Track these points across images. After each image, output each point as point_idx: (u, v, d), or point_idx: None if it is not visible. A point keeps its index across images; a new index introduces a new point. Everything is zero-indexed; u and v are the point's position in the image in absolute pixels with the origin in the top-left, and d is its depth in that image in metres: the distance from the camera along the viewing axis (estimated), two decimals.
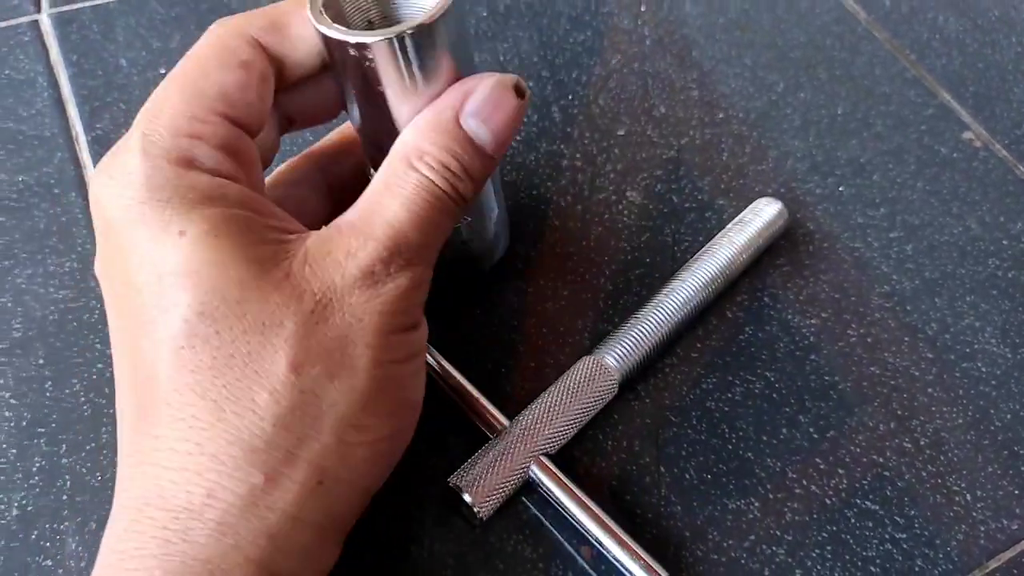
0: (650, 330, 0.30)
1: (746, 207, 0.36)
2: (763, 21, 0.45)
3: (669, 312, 0.30)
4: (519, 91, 0.21)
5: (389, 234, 0.19)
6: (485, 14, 0.44)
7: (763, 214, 0.34)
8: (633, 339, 0.30)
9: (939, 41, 0.46)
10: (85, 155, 0.35)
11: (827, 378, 0.32)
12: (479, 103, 0.20)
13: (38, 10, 0.40)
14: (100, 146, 0.36)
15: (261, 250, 0.19)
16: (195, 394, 0.18)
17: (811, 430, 0.31)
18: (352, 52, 0.20)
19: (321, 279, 0.19)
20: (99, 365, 0.30)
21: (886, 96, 0.42)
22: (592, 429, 0.30)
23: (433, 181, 0.20)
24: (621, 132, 0.39)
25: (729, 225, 0.34)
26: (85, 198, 0.34)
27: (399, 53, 0.20)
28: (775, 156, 0.39)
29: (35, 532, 0.27)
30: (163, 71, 0.38)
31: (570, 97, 0.40)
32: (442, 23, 0.20)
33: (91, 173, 0.35)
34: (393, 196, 0.20)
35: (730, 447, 0.30)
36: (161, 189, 0.18)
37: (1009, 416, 0.32)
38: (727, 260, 0.32)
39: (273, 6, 0.21)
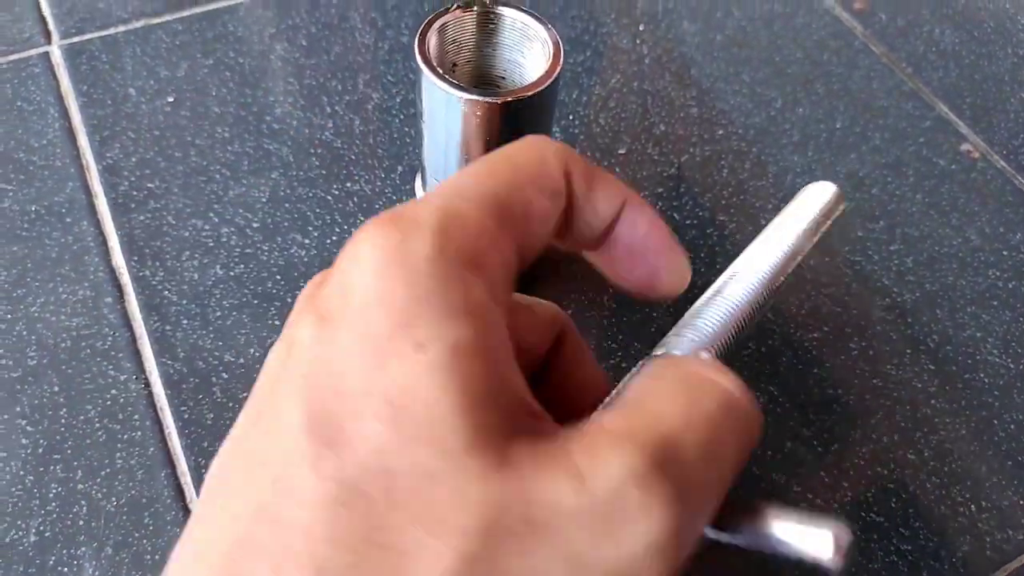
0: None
1: (746, 222, 0.36)
2: (760, 37, 0.45)
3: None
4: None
5: (653, 440, 0.14)
6: None
7: (819, 198, 0.25)
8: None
9: (935, 54, 0.46)
10: (96, 184, 0.36)
11: (830, 391, 0.33)
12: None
13: (48, 42, 0.41)
14: (111, 174, 0.36)
15: (490, 414, 0.14)
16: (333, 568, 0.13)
17: (815, 443, 0.31)
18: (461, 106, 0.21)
19: (542, 490, 0.13)
20: (112, 391, 0.31)
21: (884, 109, 0.43)
22: None
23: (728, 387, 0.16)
24: (622, 151, 0.40)
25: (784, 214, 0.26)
26: (96, 226, 0.35)
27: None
28: (775, 172, 0.40)
29: (52, 558, 0.27)
30: (171, 99, 0.39)
31: (571, 117, 0.41)
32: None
33: (103, 201, 0.35)
34: (666, 399, 0.16)
35: None
36: (435, 278, 0.14)
37: (1013, 426, 0.33)
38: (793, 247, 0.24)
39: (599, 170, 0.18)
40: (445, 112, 0.24)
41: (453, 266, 0.14)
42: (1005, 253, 0.38)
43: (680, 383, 0.16)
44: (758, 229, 0.36)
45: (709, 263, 0.36)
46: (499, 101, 0.22)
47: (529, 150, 0.17)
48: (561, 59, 0.23)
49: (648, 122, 0.41)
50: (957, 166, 0.41)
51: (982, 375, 0.34)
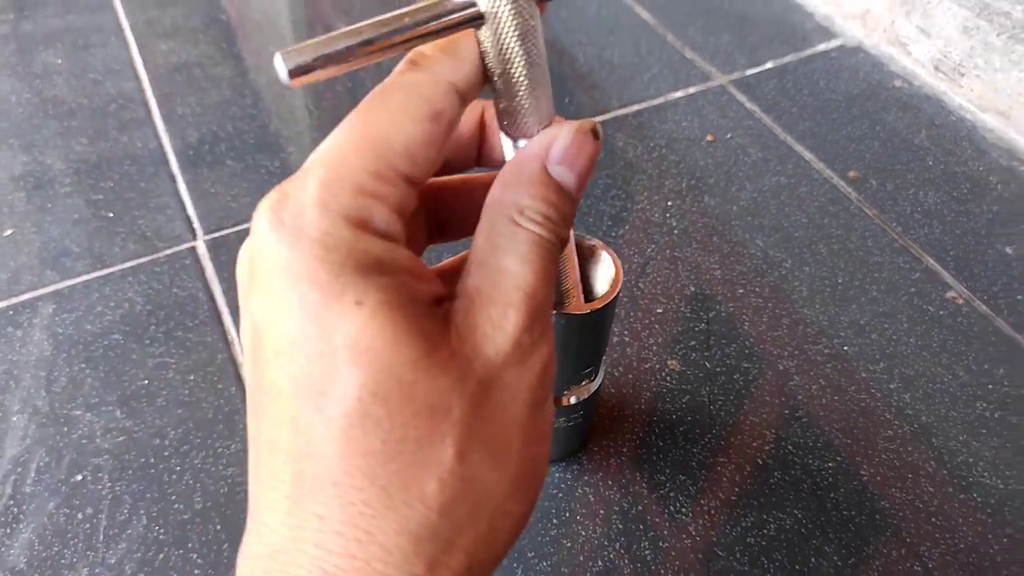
0: None
1: (766, 368, 0.44)
2: (770, 207, 0.54)
3: None
4: (596, 134, 0.21)
5: (523, 299, 0.19)
6: None
7: None
8: None
9: (921, 213, 0.54)
10: (239, 355, 0.45)
11: (845, 512, 0.39)
12: (563, 150, 0.21)
13: (195, 238, 0.52)
14: None
15: (426, 324, 0.18)
16: (366, 479, 0.17)
17: (835, 558, 0.38)
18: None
19: (481, 356, 0.18)
20: None
21: (878, 264, 0.51)
22: (653, 565, 0.37)
23: (541, 235, 0.20)
24: (660, 310, 0.48)
25: None
26: (242, 390, 0.44)
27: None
28: (788, 323, 0.47)
29: None
30: None
31: None
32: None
33: (245, 369, 0.44)
34: (508, 255, 0.20)
35: (768, 575, 0.37)
36: (337, 251, 0.17)
37: (1006, 540, 0.39)
38: None
39: (452, 38, 0.20)
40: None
41: (345, 232, 0.18)
42: (991, 387, 0.45)
43: (513, 239, 0.20)
44: (778, 375, 0.44)
45: (738, 405, 0.43)
46: (578, 314, 0.30)
47: (397, 88, 0.19)
48: (621, 280, 0.31)
49: (680, 284, 0.49)
50: (944, 311, 0.49)
51: (975, 495, 0.40)
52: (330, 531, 0.17)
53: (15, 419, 0.42)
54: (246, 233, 0.51)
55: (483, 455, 0.18)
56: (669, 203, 0.54)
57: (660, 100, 0.62)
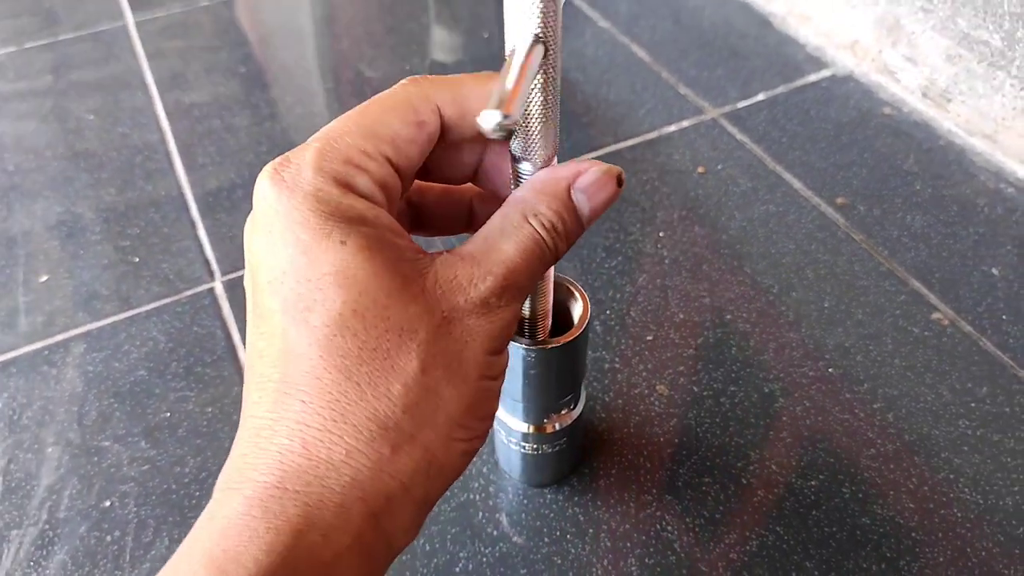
0: None
1: (752, 391, 0.46)
2: (758, 235, 0.57)
3: None
4: (620, 181, 0.25)
5: (504, 272, 0.23)
6: None
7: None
8: None
9: (908, 236, 0.56)
10: None
11: (826, 529, 0.41)
12: (589, 182, 0.25)
13: (213, 279, 0.55)
14: None
15: (403, 267, 0.22)
16: (342, 375, 0.21)
17: (816, 573, 0.39)
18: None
19: (448, 299, 0.22)
20: None
21: (864, 288, 0.53)
22: None
23: (542, 236, 0.24)
24: (649, 337, 0.50)
25: None
26: None
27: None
28: (774, 347, 0.49)
29: None
30: None
31: (608, 312, 0.52)
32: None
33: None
34: (509, 241, 0.24)
35: None
36: (326, 203, 0.21)
37: (984, 553, 0.40)
38: None
39: (458, 79, 0.25)
40: (511, 354, 0.34)
41: (333, 190, 0.22)
42: (973, 405, 0.46)
43: (518, 231, 0.24)
44: (763, 397, 0.46)
45: (723, 427, 0.45)
46: (548, 347, 0.33)
47: (394, 95, 0.24)
48: (589, 314, 0.34)
49: (669, 312, 0.52)
50: (929, 333, 0.50)
51: (955, 511, 0.42)
52: (311, 412, 0.21)
53: (50, 450, 0.46)
54: None
55: (442, 373, 0.22)
56: (661, 234, 0.57)
57: (654, 135, 0.65)
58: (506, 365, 0.25)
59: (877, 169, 0.61)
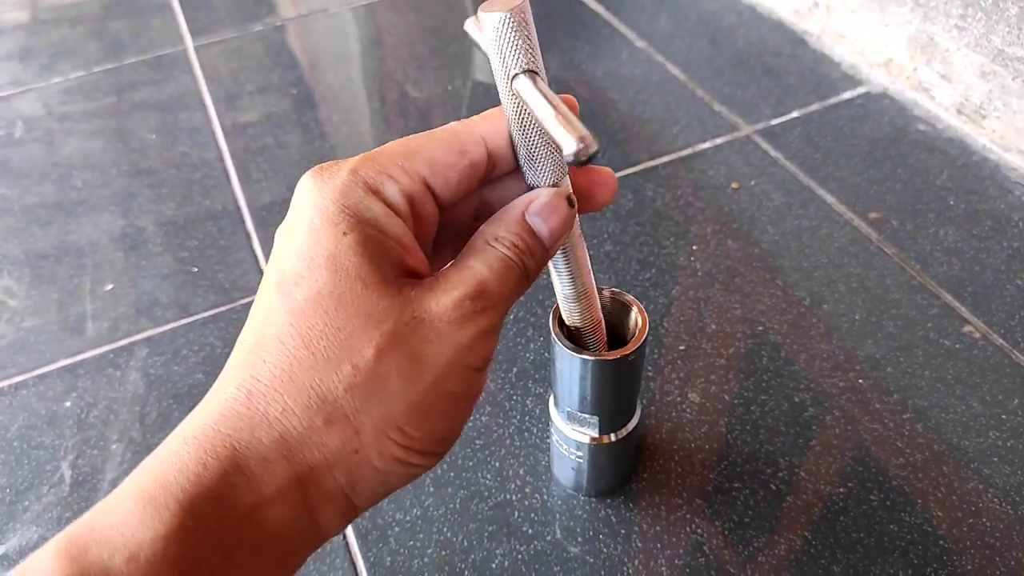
0: None
1: (782, 400, 0.47)
2: (791, 248, 0.58)
3: None
4: (571, 202, 0.27)
5: (475, 284, 0.25)
6: None
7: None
8: None
9: (940, 251, 0.57)
10: None
11: (854, 535, 0.42)
12: (540, 206, 0.26)
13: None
14: None
15: (387, 269, 0.24)
16: (303, 343, 0.23)
17: None
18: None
19: (422, 302, 0.24)
20: None
21: (896, 301, 0.54)
22: None
23: (505, 254, 0.25)
24: (682, 347, 0.52)
25: None
26: None
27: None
28: (805, 359, 0.50)
29: None
30: None
31: None
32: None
33: None
34: (476, 260, 0.25)
35: None
36: (348, 197, 0.24)
37: (1013, 563, 0.40)
38: None
39: (494, 111, 0.27)
40: (569, 364, 0.36)
41: (359, 190, 0.24)
42: (1004, 417, 0.47)
43: (482, 252, 0.26)
44: (793, 406, 0.47)
45: (753, 435, 0.47)
46: (609, 359, 0.35)
47: (442, 128, 0.26)
48: (647, 327, 0.36)
49: (702, 323, 0.53)
50: (961, 345, 0.51)
51: (985, 520, 0.42)
52: (265, 370, 0.23)
53: (114, 447, 0.49)
54: None
55: (395, 367, 0.23)
56: (694, 247, 0.58)
57: (688, 151, 0.67)
58: (479, 388, 0.26)
59: (911, 184, 0.62)
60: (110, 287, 0.60)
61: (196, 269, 0.60)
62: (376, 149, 0.25)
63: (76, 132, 0.75)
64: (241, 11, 0.91)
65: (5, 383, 0.53)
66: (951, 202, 0.60)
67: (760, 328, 0.53)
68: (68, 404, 0.52)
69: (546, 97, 0.23)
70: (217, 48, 0.85)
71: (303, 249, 0.23)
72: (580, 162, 0.22)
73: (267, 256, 0.60)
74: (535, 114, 0.23)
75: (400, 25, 0.88)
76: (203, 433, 0.22)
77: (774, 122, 0.69)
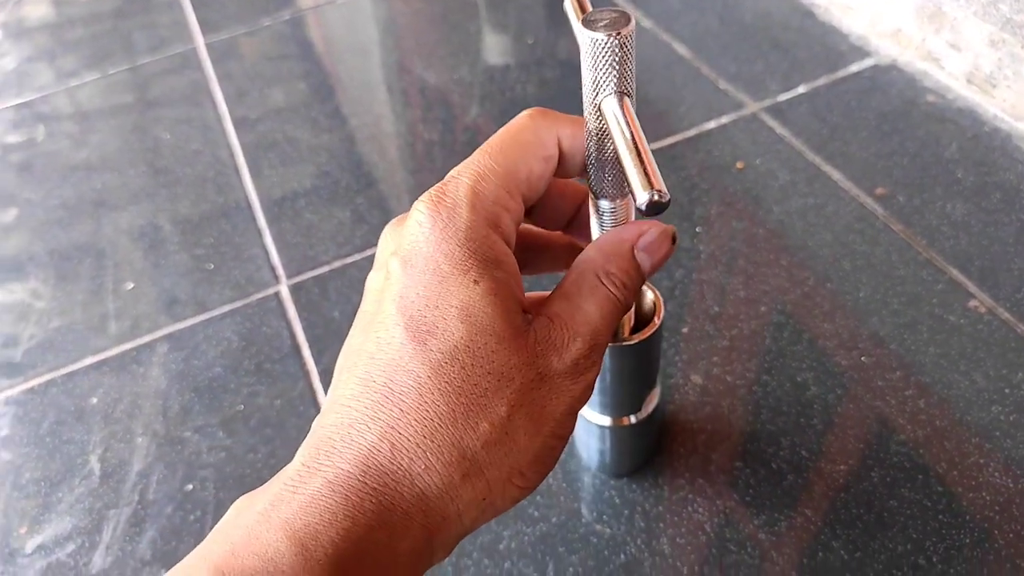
0: None
1: (785, 380, 0.47)
2: (796, 227, 0.58)
3: None
4: (674, 239, 0.28)
5: (590, 333, 0.25)
6: None
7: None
8: None
9: (948, 225, 0.57)
10: (316, 383, 0.53)
11: (854, 511, 0.43)
12: (649, 242, 0.27)
13: (279, 283, 0.60)
14: (327, 376, 0.53)
15: (516, 318, 0.24)
16: (442, 399, 0.23)
17: (842, 553, 0.41)
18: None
19: (544, 358, 0.25)
20: None
21: (901, 278, 0.54)
22: (670, 558, 0.42)
23: (615, 294, 0.26)
24: (685, 330, 0.52)
25: None
26: (319, 412, 0.51)
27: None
28: (808, 338, 0.51)
29: None
30: None
31: None
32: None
33: (321, 396, 0.52)
34: (588, 301, 0.26)
35: (778, 568, 0.41)
36: (474, 240, 0.24)
37: (1011, 535, 0.41)
38: None
39: (578, 118, 0.27)
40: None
41: (483, 229, 0.24)
42: (1007, 391, 0.47)
43: (595, 291, 0.26)
44: (795, 386, 0.48)
45: (755, 415, 0.47)
46: (632, 343, 0.36)
47: (527, 130, 0.26)
48: (663, 313, 0.37)
49: (705, 305, 0.54)
50: (965, 320, 0.51)
51: (984, 494, 0.43)
52: (406, 422, 0.23)
53: (139, 440, 0.51)
54: (323, 277, 0.59)
55: (524, 423, 0.24)
56: (698, 229, 0.59)
57: (694, 132, 0.67)
58: (572, 428, 0.27)
59: (919, 158, 0.62)
60: (131, 286, 0.62)
61: (212, 266, 0.62)
62: (475, 169, 0.25)
63: (95, 134, 0.77)
64: (250, 5, 0.92)
65: (36, 382, 0.56)
66: (959, 175, 0.60)
67: (763, 309, 0.53)
68: (95, 400, 0.54)
69: (631, 128, 0.24)
70: (227, 44, 0.87)
71: (432, 295, 0.24)
72: (648, 213, 0.22)
73: (279, 252, 0.61)
74: (616, 142, 0.24)
75: (407, 14, 0.88)
76: (348, 484, 0.23)
77: (781, 98, 0.68)
